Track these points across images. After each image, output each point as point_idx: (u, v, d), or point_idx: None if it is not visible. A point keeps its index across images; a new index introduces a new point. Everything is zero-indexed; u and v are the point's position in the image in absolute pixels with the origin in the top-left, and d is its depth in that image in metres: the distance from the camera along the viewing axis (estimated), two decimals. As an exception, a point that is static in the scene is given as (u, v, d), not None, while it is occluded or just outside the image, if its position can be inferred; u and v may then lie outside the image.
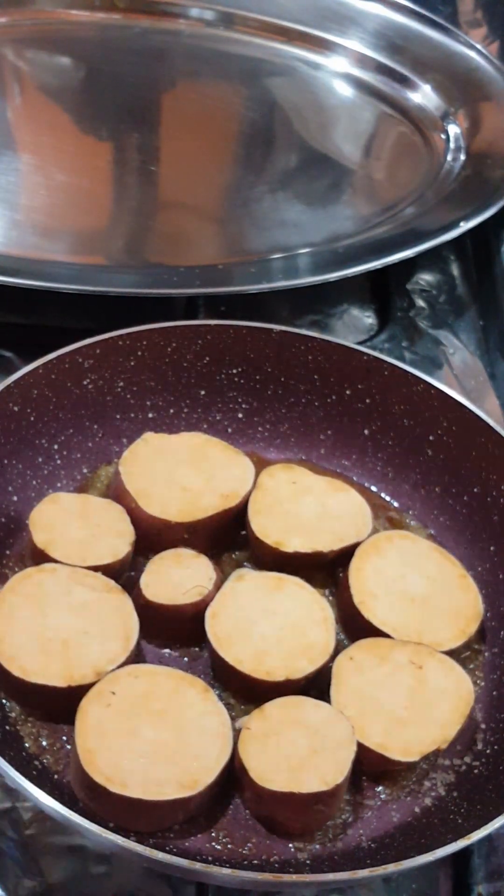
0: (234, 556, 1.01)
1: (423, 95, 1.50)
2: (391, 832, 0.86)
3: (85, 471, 1.05)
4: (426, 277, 1.35)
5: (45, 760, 0.86)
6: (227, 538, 1.01)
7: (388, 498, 1.07)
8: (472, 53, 1.51)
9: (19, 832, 0.88)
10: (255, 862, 0.83)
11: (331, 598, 0.98)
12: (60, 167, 1.34)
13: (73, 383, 1.03)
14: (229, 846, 0.84)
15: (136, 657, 0.91)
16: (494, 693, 0.94)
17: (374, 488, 1.08)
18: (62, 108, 1.45)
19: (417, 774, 0.89)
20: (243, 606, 0.93)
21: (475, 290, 1.36)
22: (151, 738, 0.83)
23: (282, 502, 1.01)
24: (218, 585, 0.95)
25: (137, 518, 0.98)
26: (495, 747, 0.91)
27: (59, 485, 1.03)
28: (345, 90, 1.53)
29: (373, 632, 0.93)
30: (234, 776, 0.85)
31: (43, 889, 0.86)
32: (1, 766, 0.79)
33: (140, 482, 0.99)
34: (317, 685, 0.90)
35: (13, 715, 0.88)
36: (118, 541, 0.96)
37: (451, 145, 1.43)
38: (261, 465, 1.04)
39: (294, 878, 0.80)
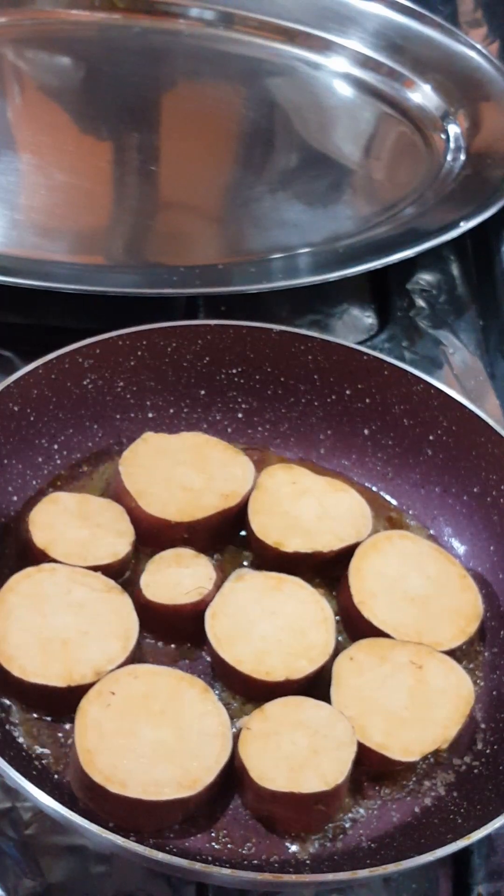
0: (234, 556, 1.01)
1: (423, 95, 1.50)
2: (391, 832, 0.86)
3: (85, 471, 1.05)
4: (426, 277, 1.35)
5: (45, 760, 0.86)
6: (227, 538, 1.01)
7: (388, 498, 1.07)
8: (472, 53, 1.51)
9: (19, 832, 0.88)
10: (255, 862, 0.83)
11: (331, 597, 0.98)
12: (60, 167, 1.34)
13: (73, 383, 1.03)
14: (229, 846, 0.84)
15: (136, 657, 0.91)
16: (494, 693, 0.94)
17: (374, 488, 1.08)
18: (62, 108, 1.45)
19: (417, 774, 0.89)
20: (243, 606, 0.93)
21: (475, 290, 1.36)
22: (151, 738, 0.83)
23: (282, 502, 1.00)
24: (218, 585, 0.95)
25: (137, 518, 0.98)
26: (495, 747, 0.91)
27: (59, 485, 1.03)
28: (345, 90, 1.53)
29: (373, 632, 0.93)
30: (234, 776, 0.85)
31: (43, 889, 0.86)
32: (1, 766, 0.79)
33: (140, 482, 0.99)
34: (317, 685, 0.90)
35: (13, 715, 0.88)
36: (118, 541, 0.96)
37: (451, 145, 1.43)
38: (261, 465, 1.04)
39: (294, 878, 0.80)
